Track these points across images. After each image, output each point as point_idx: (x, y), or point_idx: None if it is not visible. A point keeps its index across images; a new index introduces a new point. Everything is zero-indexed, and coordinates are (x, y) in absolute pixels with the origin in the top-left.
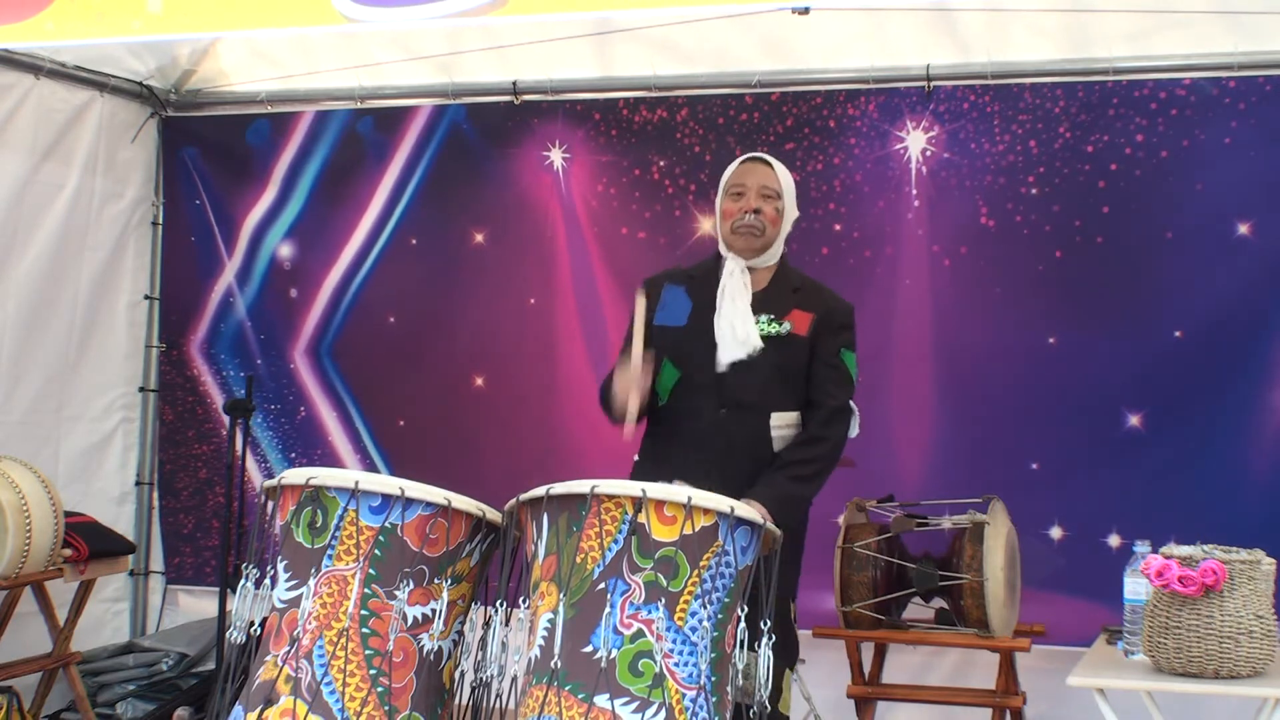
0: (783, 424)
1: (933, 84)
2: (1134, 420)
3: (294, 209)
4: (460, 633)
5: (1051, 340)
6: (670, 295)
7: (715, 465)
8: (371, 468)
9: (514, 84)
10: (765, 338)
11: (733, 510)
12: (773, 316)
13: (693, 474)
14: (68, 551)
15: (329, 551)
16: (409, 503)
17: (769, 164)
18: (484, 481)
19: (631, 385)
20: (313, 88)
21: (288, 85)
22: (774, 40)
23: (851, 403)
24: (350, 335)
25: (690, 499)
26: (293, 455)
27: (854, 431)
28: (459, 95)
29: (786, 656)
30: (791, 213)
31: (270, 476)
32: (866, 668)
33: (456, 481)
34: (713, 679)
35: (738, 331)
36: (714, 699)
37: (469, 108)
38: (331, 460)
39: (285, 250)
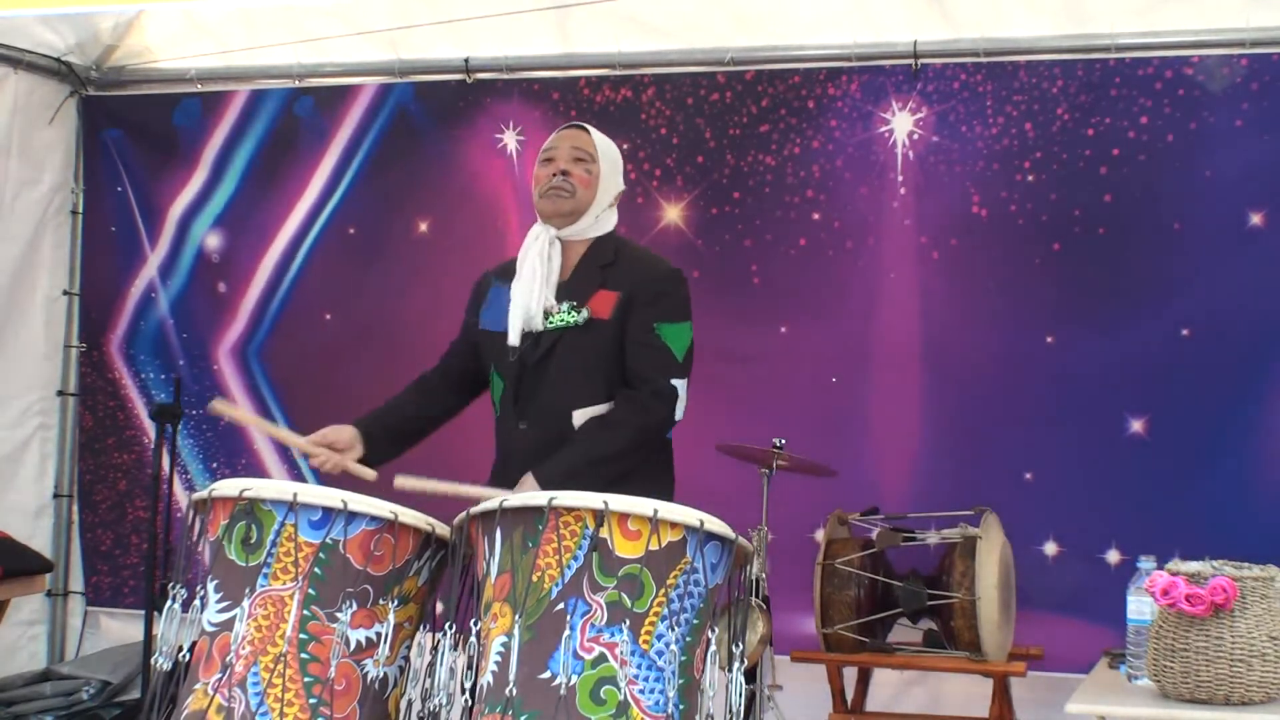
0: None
1: (920, 62)
2: (1137, 426)
3: (223, 196)
4: (406, 658)
5: (1049, 339)
6: (494, 295)
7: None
8: (300, 481)
9: (466, 61)
10: (561, 329)
11: (702, 524)
12: (574, 304)
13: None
14: None
15: (264, 570)
16: (352, 517)
17: (584, 128)
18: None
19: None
20: (247, 65)
21: (220, 62)
22: (749, 14)
23: (675, 382)
24: (280, 335)
25: (656, 511)
26: (214, 466)
27: (678, 415)
28: (406, 73)
29: None
30: (611, 182)
31: (190, 488)
32: (849, 694)
33: (398, 495)
34: (680, 707)
35: (530, 307)
36: None
37: (417, 87)
38: (256, 472)
39: (213, 241)
